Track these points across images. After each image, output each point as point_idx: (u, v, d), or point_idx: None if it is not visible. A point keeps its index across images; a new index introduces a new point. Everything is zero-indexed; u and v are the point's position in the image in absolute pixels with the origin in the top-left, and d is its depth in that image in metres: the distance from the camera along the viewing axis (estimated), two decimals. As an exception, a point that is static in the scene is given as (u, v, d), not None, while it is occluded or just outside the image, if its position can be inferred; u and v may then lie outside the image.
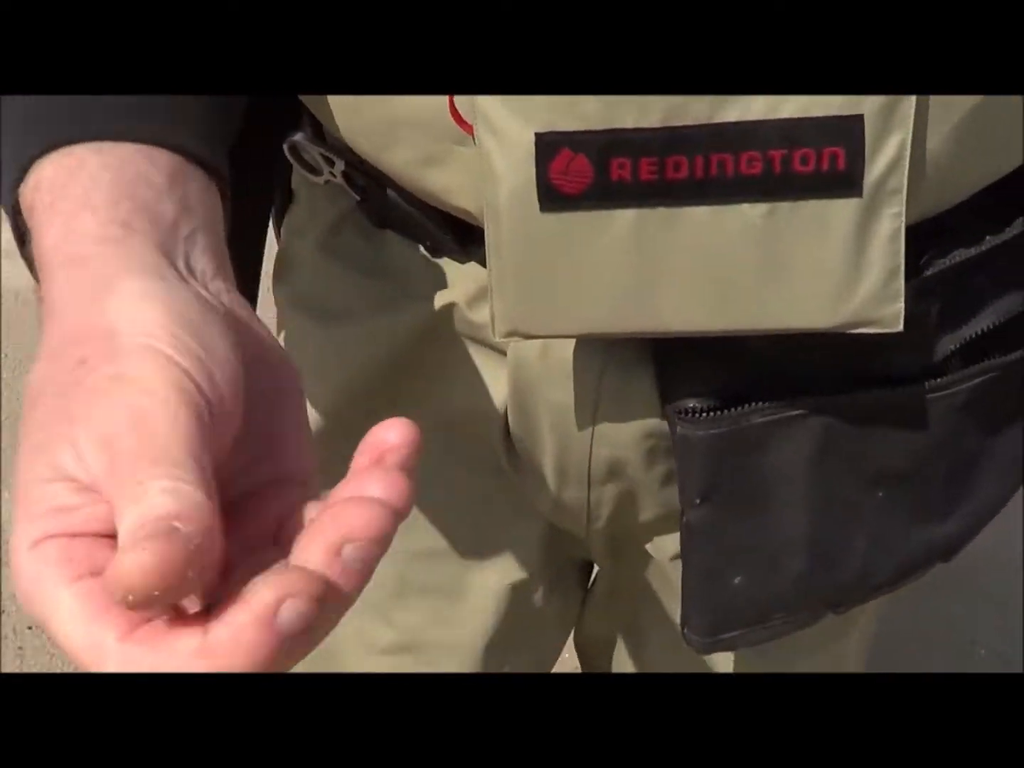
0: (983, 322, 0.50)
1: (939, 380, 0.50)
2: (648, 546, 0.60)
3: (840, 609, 0.55)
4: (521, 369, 0.51)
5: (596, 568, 0.69)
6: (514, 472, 0.56)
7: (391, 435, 0.31)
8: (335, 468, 0.58)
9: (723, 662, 0.63)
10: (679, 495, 0.50)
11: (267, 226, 0.59)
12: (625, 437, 0.52)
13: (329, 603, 0.27)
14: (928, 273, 0.47)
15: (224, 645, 0.25)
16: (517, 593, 0.63)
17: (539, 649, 0.69)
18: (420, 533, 0.60)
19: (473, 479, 0.58)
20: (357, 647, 0.64)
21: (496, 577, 0.61)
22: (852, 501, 0.52)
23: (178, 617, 0.27)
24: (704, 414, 0.48)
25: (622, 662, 0.72)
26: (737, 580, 0.52)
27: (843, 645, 0.67)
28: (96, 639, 0.26)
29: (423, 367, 0.54)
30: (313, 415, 0.58)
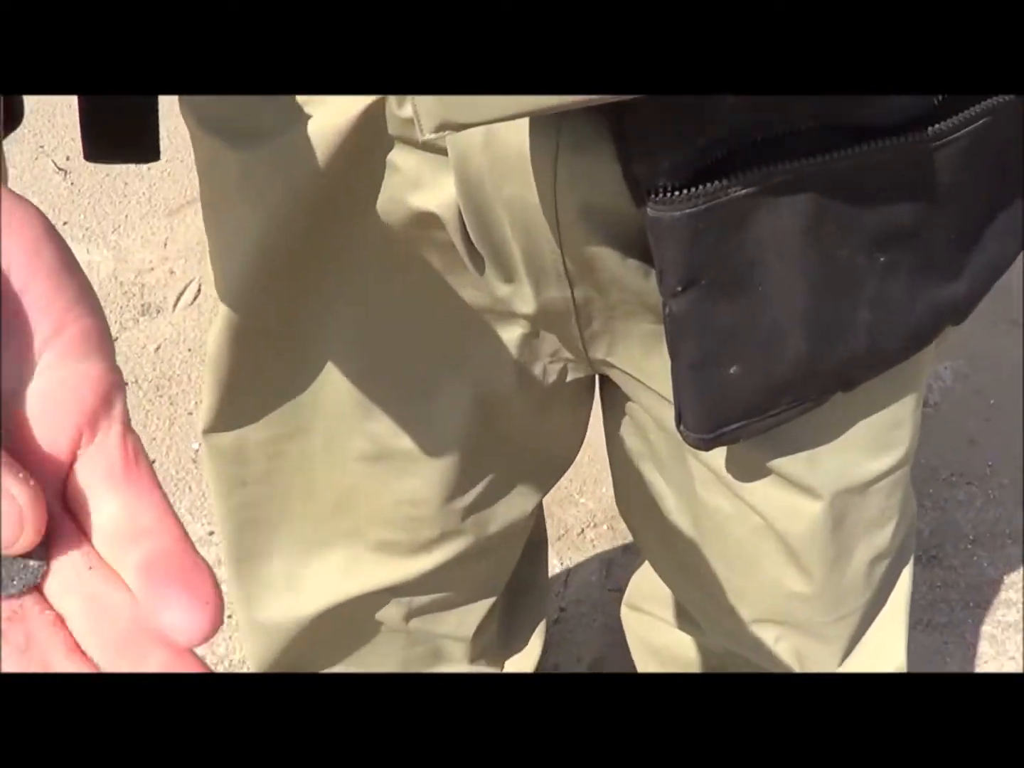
0: None
1: (939, 125, 0.44)
2: (643, 348, 0.56)
3: (851, 386, 0.52)
4: (466, 166, 0.45)
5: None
6: (481, 277, 0.51)
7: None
8: (271, 310, 0.55)
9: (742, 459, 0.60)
10: (658, 284, 0.46)
11: None
12: (593, 227, 0.47)
13: None
14: None
15: None
16: (493, 406, 0.59)
17: (535, 457, 0.66)
18: (383, 342, 0.56)
19: (435, 286, 0.53)
20: (329, 458, 0.62)
21: (468, 384, 0.58)
22: (851, 270, 0.47)
23: None
24: (677, 192, 0.43)
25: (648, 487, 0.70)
26: (733, 370, 0.48)
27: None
28: None
29: (356, 180, 0.49)
30: (246, 247, 0.52)
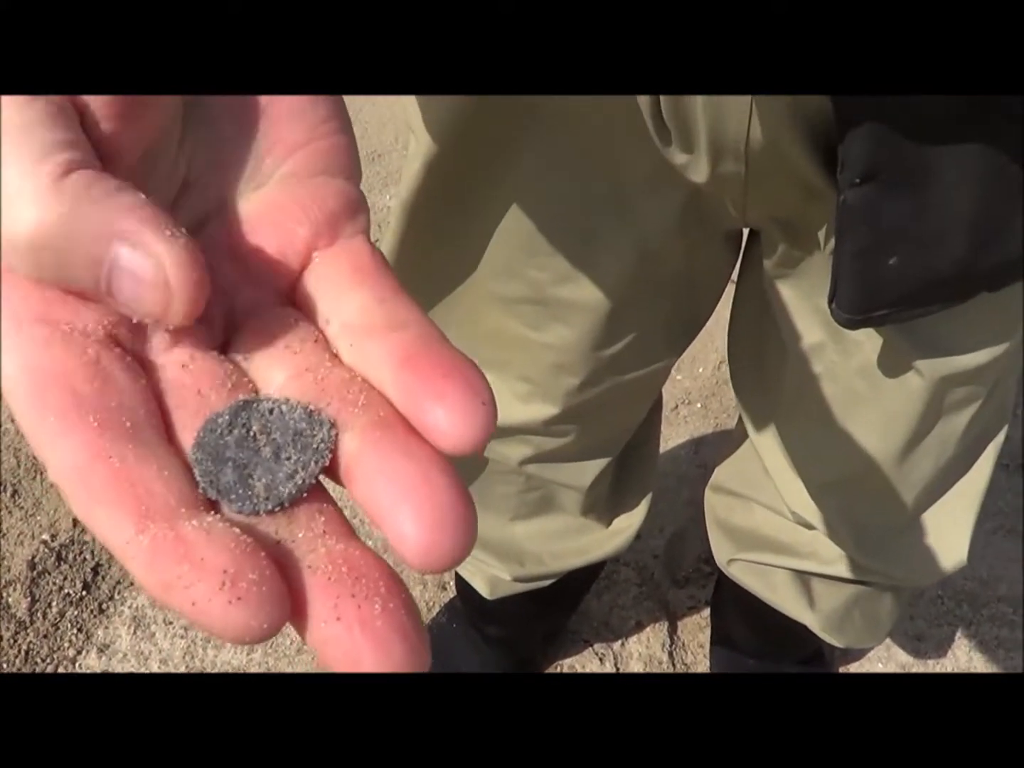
0: None
1: None
2: (802, 234, 0.57)
3: (997, 288, 0.53)
4: None
5: (744, 238, 0.67)
6: (665, 146, 0.52)
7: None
8: (464, 150, 0.57)
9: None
10: (838, 175, 0.47)
11: None
12: (782, 113, 0.48)
13: None
14: None
15: None
16: (651, 257, 0.61)
17: (679, 309, 0.68)
18: (558, 193, 0.58)
19: (614, 146, 0.55)
20: (483, 297, 0.65)
21: (631, 236, 0.59)
22: (1018, 179, 0.47)
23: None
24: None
25: (769, 352, 0.71)
26: (892, 261, 0.50)
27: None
28: None
29: None
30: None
